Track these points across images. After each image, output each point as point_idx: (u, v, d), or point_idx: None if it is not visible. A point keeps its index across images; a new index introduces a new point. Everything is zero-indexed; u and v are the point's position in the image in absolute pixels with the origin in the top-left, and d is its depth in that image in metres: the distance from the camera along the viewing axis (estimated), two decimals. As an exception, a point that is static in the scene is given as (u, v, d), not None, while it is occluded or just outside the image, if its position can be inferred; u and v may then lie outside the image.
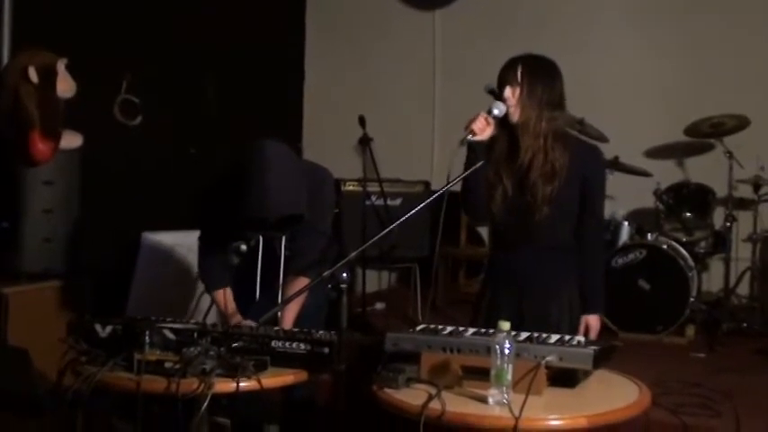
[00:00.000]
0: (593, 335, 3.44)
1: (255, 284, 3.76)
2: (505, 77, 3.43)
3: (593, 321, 3.48)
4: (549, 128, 3.40)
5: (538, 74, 3.41)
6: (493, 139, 3.45)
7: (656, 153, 7.29)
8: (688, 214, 6.41)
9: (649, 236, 6.24)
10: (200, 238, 3.95)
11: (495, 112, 3.36)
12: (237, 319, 3.69)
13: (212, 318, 4.35)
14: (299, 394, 3.82)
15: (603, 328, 3.60)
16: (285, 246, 3.78)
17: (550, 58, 3.51)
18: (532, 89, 3.38)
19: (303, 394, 3.87)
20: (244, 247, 3.77)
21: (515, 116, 3.41)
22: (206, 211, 3.94)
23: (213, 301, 3.86)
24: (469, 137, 3.33)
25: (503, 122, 3.43)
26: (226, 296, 3.81)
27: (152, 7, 6.55)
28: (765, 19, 7.04)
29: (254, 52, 7.70)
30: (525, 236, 3.49)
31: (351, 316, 5.87)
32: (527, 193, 3.43)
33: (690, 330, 6.07)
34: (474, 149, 3.36)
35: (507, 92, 3.40)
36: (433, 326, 3.18)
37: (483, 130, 3.34)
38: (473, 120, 3.34)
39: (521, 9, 7.75)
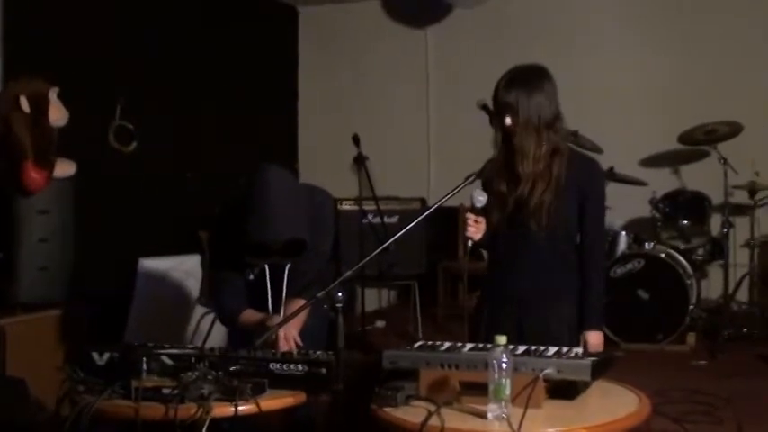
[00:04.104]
0: None
1: (263, 310, 3.76)
2: (502, 105, 3.37)
3: (592, 338, 3.41)
4: (549, 148, 3.37)
5: (534, 94, 3.34)
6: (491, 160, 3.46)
7: (650, 162, 7.31)
8: (685, 222, 6.42)
9: (647, 245, 6.25)
10: (213, 268, 3.92)
11: (478, 205, 3.30)
12: (271, 319, 3.64)
13: (212, 341, 4.34)
14: (300, 415, 3.80)
15: (605, 340, 3.56)
16: (287, 270, 3.78)
17: (540, 67, 3.45)
18: (532, 114, 3.33)
19: (303, 415, 3.85)
20: (251, 276, 3.78)
21: (516, 140, 3.37)
22: (217, 240, 3.93)
23: (234, 326, 3.82)
24: (470, 243, 3.36)
25: (503, 137, 3.41)
26: (249, 314, 3.78)
27: (144, 33, 6.57)
28: (756, 26, 7.07)
29: (247, 75, 7.73)
30: (524, 249, 3.47)
31: (351, 335, 5.86)
32: (522, 207, 3.41)
33: (690, 338, 6.07)
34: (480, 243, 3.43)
35: (508, 121, 3.35)
36: (430, 342, 3.17)
37: (477, 231, 3.35)
38: (464, 226, 3.35)
39: (512, 23, 7.78)
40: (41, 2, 5.81)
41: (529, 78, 3.40)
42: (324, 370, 3.05)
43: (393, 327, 7.04)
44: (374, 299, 7.95)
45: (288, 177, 3.70)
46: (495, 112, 3.42)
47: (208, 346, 3.49)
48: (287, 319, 3.37)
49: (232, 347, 3.52)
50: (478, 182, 3.42)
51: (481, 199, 3.29)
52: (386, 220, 6.63)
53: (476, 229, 3.34)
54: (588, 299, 3.45)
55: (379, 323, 7.17)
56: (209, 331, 4.24)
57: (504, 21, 7.80)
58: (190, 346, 3.62)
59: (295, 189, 3.69)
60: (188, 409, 2.86)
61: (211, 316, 5.13)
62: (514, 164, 3.40)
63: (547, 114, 3.36)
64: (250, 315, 3.76)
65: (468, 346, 3.11)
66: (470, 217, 3.34)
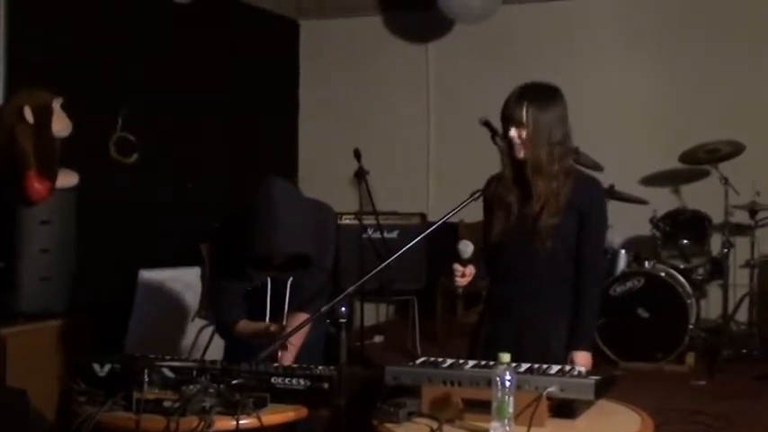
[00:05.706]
0: None
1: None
2: (510, 116, 3.33)
3: (580, 359, 3.35)
4: (561, 168, 3.34)
5: (546, 111, 3.31)
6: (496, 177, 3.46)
7: (651, 180, 7.31)
8: (685, 241, 6.42)
9: (647, 264, 6.25)
10: (214, 279, 3.92)
11: (465, 257, 3.32)
12: (272, 326, 3.67)
13: (212, 353, 4.33)
14: (300, 430, 3.80)
15: (604, 358, 3.55)
16: (290, 284, 3.78)
17: (552, 85, 3.42)
18: (541, 130, 3.29)
19: (304, 430, 3.84)
20: (249, 287, 3.78)
21: (521, 154, 3.33)
22: (219, 250, 3.93)
23: (230, 335, 3.81)
24: (460, 291, 3.40)
25: (509, 154, 3.38)
26: (246, 323, 3.78)
27: (146, 44, 6.58)
28: (756, 46, 7.09)
29: (249, 87, 7.74)
30: (525, 267, 3.45)
31: (349, 350, 5.84)
32: (528, 224, 3.39)
33: (690, 358, 6.06)
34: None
35: (512, 132, 3.31)
36: (432, 359, 3.17)
37: (464, 281, 3.37)
38: (452, 277, 3.37)
39: (514, 40, 7.78)
40: (44, 13, 5.81)
41: (542, 95, 3.37)
42: (326, 385, 3.04)
43: (391, 342, 7.03)
44: (372, 314, 7.93)
45: (293, 191, 3.71)
46: (505, 125, 3.37)
47: (208, 358, 3.49)
48: (292, 332, 3.37)
49: (228, 361, 3.52)
50: (465, 238, 3.41)
51: (468, 250, 3.32)
52: (386, 234, 6.63)
53: (462, 281, 3.36)
54: (582, 317, 3.41)
55: (378, 338, 7.16)
56: (208, 344, 4.24)
57: (506, 37, 7.80)
58: (191, 359, 3.62)
59: (300, 203, 3.70)
60: (189, 423, 2.86)
61: (210, 329, 5.14)
62: (526, 180, 3.38)
63: (557, 133, 3.34)
64: (246, 325, 3.76)
65: (471, 363, 3.10)
66: (458, 269, 3.35)
